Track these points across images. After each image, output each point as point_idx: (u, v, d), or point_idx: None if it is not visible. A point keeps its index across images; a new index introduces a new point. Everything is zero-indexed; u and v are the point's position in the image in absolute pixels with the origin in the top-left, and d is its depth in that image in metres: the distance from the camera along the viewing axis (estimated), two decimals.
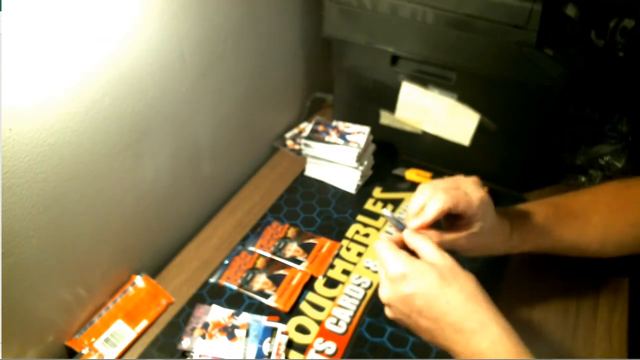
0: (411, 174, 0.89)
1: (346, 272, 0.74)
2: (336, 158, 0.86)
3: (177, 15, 0.65)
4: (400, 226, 0.56)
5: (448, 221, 0.58)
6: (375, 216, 0.82)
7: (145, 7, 0.60)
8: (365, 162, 0.86)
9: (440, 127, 0.87)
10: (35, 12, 0.48)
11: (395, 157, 0.94)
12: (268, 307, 0.69)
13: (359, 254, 0.76)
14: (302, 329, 0.66)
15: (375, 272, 0.73)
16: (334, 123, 0.89)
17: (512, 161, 0.86)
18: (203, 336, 0.64)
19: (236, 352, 0.62)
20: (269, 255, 0.76)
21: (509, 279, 0.72)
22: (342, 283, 0.72)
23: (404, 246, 0.54)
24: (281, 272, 0.73)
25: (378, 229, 0.80)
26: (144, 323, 0.67)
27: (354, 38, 0.84)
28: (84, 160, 0.58)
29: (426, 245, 0.52)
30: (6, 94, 0.47)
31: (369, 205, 0.85)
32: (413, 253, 0.53)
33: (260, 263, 0.74)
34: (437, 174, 0.88)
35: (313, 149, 0.87)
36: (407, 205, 0.56)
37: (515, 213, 0.62)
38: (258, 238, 0.78)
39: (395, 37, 0.81)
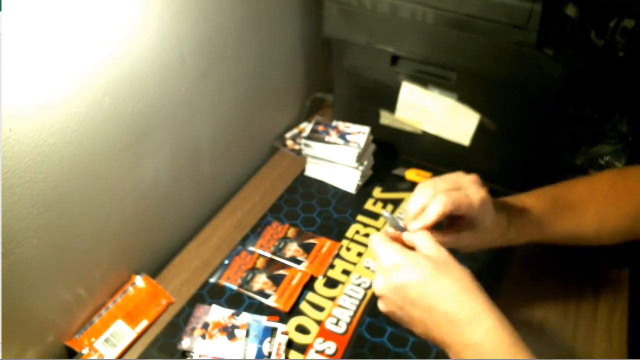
0: (411, 174, 0.89)
1: (346, 272, 0.74)
2: (336, 158, 0.86)
3: (177, 15, 0.65)
4: (401, 228, 0.56)
5: (448, 220, 0.58)
6: (375, 216, 0.82)
7: (145, 7, 0.60)
8: (365, 162, 0.86)
9: (440, 127, 0.87)
10: (35, 12, 0.48)
11: (395, 157, 0.94)
12: (268, 307, 0.69)
13: (359, 254, 0.76)
14: (302, 329, 0.66)
15: (375, 272, 0.73)
16: (334, 123, 0.90)
17: (512, 161, 0.86)
18: (203, 336, 0.64)
19: (236, 352, 0.62)
20: (269, 255, 0.76)
21: (509, 279, 0.72)
22: (342, 283, 0.72)
23: (400, 243, 0.54)
24: (281, 272, 0.73)
25: (378, 229, 0.80)
26: (144, 323, 0.67)
27: (354, 38, 0.84)
28: (84, 160, 0.58)
29: (422, 238, 0.52)
30: (6, 94, 0.47)
31: (369, 205, 0.85)
32: (410, 249, 0.52)
33: (260, 263, 0.74)
34: (437, 174, 0.87)
35: (313, 149, 0.87)
36: (407, 204, 0.56)
37: (512, 207, 0.61)
38: (258, 238, 0.78)
39: (395, 37, 0.81)
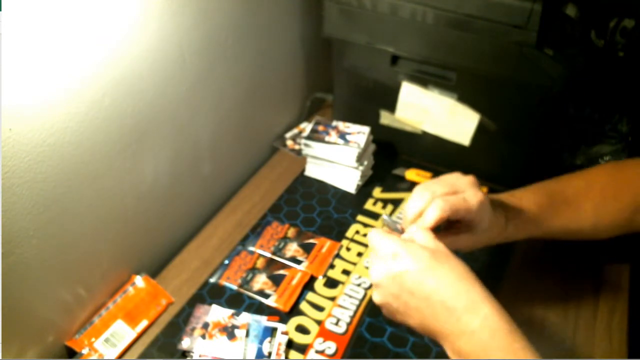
0: (411, 174, 0.89)
1: (346, 272, 0.74)
2: (336, 158, 0.86)
3: (177, 15, 0.65)
4: (399, 232, 0.56)
5: (446, 223, 0.57)
6: (375, 216, 0.82)
7: (145, 7, 0.60)
8: (365, 162, 0.86)
9: (440, 127, 0.87)
10: (35, 12, 0.48)
11: (395, 157, 0.94)
12: (268, 307, 0.69)
13: (359, 254, 0.76)
14: (302, 329, 0.66)
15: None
16: (334, 123, 0.90)
17: (512, 161, 0.86)
18: (203, 336, 0.64)
19: (236, 352, 0.62)
20: (269, 255, 0.76)
21: (509, 279, 0.72)
22: (342, 283, 0.72)
23: None
24: (281, 272, 0.73)
25: None
26: (144, 323, 0.67)
27: (354, 38, 0.84)
28: (84, 160, 0.58)
29: (420, 231, 0.52)
30: (6, 94, 0.47)
31: (369, 205, 0.85)
32: None
33: (260, 263, 0.74)
34: (437, 174, 0.87)
35: (313, 149, 0.87)
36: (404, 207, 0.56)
37: (509, 205, 0.61)
38: (258, 238, 0.78)
39: (395, 37, 0.81)
